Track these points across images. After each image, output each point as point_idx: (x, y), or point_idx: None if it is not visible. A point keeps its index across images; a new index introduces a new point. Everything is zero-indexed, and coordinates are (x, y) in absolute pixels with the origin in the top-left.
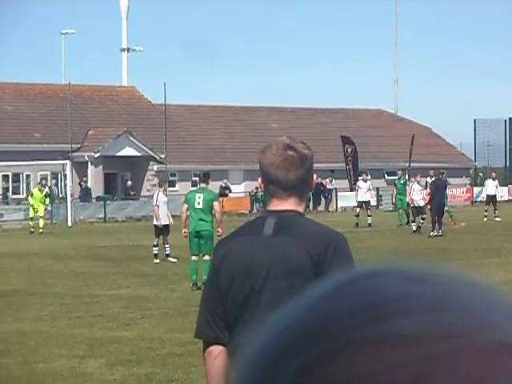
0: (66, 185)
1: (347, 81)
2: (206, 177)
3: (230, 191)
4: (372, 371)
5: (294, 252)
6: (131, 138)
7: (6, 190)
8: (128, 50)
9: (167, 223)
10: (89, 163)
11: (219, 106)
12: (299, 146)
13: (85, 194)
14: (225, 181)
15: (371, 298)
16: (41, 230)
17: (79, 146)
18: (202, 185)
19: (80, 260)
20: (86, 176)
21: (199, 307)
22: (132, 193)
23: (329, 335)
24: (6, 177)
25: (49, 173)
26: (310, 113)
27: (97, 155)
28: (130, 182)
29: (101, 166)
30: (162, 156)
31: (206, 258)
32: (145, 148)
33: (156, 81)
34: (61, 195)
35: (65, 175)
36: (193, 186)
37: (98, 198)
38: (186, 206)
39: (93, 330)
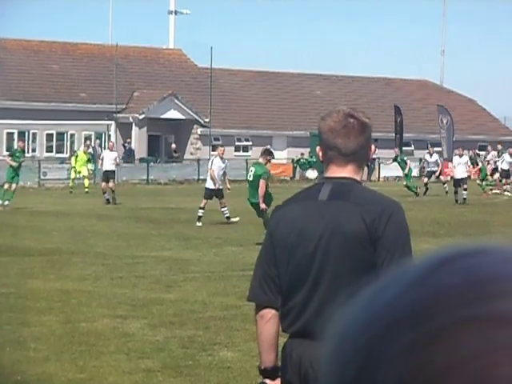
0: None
1: (393, 50)
2: (262, 152)
3: (273, 157)
4: (478, 352)
5: (349, 217)
6: (176, 101)
7: (49, 148)
8: (175, 12)
9: (221, 187)
10: (133, 125)
11: (265, 72)
12: (360, 114)
13: (128, 156)
14: (268, 146)
15: (473, 277)
16: (86, 190)
17: (124, 107)
18: (260, 159)
19: (122, 221)
20: (130, 137)
21: (253, 270)
22: (175, 155)
23: (434, 314)
24: (50, 135)
25: (93, 133)
26: (353, 81)
27: (141, 117)
28: (174, 145)
29: (145, 128)
30: (207, 120)
31: None
32: (189, 111)
33: (202, 44)
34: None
35: (109, 136)
36: (236, 151)
37: (142, 160)
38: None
39: (135, 291)
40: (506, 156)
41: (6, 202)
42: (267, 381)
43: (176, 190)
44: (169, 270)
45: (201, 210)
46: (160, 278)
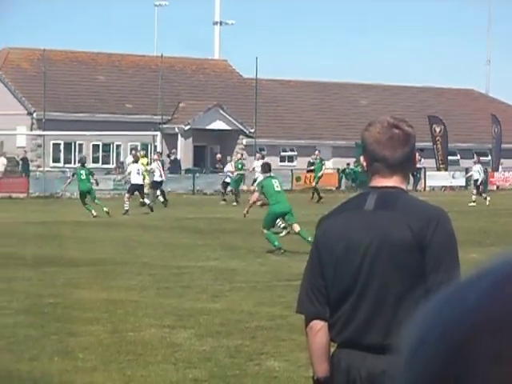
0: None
1: (438, 59)
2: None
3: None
4: None
5: (396, 226)
6: (221, 112)
7: (96, 159)
8: (220, 23)
9: None
10: (179, 135)
11: (310, 81)
12: (403, 124)
13: (174, 166)
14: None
15: None
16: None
17: (170, 118)
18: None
19: (168, 231)
20: (176, 148)
21: (301, 282)
22: (218, 166)
23: None
24: (96, 146)
25: (139, 144)
26: (399, 90)
27: (187, 128)
28: (219, 155)
29: (190, 139)
30: (252, 130)
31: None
32: (235, 122)
33: (247, 55)
34: (150, 167)
35: (155, 147)
36: (281, 161)
37: (187, 171)
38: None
39: (182, 301)
40: None
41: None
42: None
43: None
44: (215, 280)
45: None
46: (206, 288)
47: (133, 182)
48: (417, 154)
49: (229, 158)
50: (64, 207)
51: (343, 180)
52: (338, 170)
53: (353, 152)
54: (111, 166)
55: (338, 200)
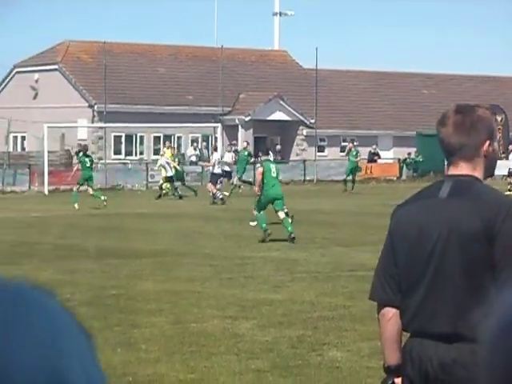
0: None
1: (500, 48)
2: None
3: (379, 157)
4: None
5: (467, 214)
6: (282, 102)
7: (157, 151)
8: (280, 14)
9: None
10: (239, 126)
11: (370, 71)
12: (476, 111)
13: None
14: (374, 146)
15: None
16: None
17: (230, 109)
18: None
19: (229, 222)
20: (236, 139)
21: (375, 269)
22: (274, 157)
23: None
24: (157, 138)
25: (199, 135)
26: (461, 80)
27: (247, 119)
28: (279, 146)
29: (251, 130)
30: (312, 121)
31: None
32: (295, 112)
33: (307, 45)
34: (210, 158)
35: (215, 138)
36: (341, 151)
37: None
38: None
39: (244, 292)
40: None
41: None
42: (394, 379)
43: (282, 191)
44: (276, 271)
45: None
46: (268, 279)
47: (214, 171)
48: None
49: (229, 148)
50: (126, 199)
51: (404, 170)
52: (399, 159)
53: (413, 142)
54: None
55: (399, 190)
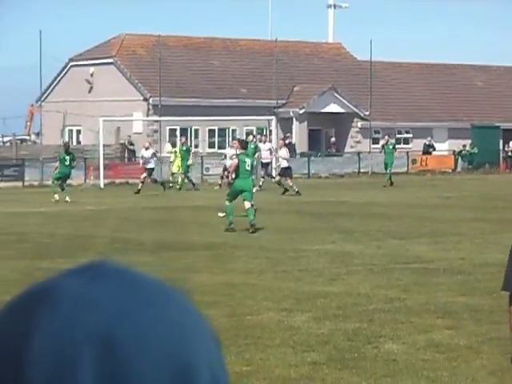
0: (270, 140)
1: None
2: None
3: (434, 149)
4: None
5: None
6: (336, 95)
7: (212, 144)
8: (334, 6)
9: None
10: (293, 119)
11: (424, 64)
12: None
13: (289, 150)
14: (428, 138)
15: None
16: (178, 186)
17: (284, 101)
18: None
19: (284, 215)
20: (291, 132)
21: (507, 261)
22: (330, 150)
23: None
24: (212, 131)
25: (254, 128)
26: None
27: (302, 111)
28: (333, 139)
29: (305, 122)
30: (367, 113)
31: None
32: (349, 105)
33: (361, 38)
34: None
35: (270, 131)
36: (396, 143)
37: (302, 154)
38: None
39: (299, 284)
40: None
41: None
42: None
43: (336, 184)
44: (331, 263)
45: None
46: (323, 271)
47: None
48: None
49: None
50: (181, 192)
51: (459, 162)
52: (454, 151)
53: (468, 134)
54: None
55: (454, 182)
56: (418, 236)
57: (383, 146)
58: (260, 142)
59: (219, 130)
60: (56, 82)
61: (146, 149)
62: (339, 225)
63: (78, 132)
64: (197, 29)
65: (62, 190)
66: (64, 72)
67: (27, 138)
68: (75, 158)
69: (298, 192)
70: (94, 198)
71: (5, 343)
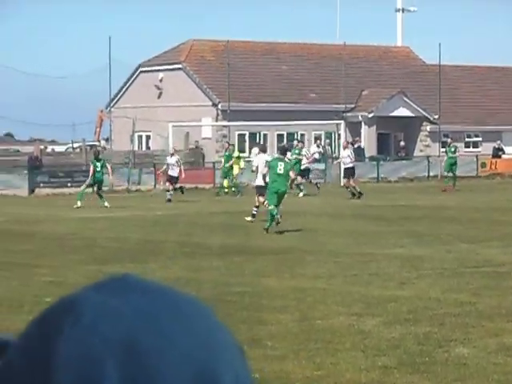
0: (339, 144)
1: None
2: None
3: (504, 152)
4: None
5: None
6: (405, 99)
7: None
8: (403, 10)
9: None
10: (362, 123)
11: (493, 67)
12: None
13: (358, 154)
14: (498, 142)
15: None
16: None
17: (353, 106)
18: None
19: (353, 219)
20: (359, 136)
21: None
22: (400, 154)
23: None
24: (280, 136)
25: (323, 132)
26: None
27: (370, 115)
28: (402, 143)
29: (374, 126)
30: (436, 116)
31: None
32: (418, 108)
33: (430, 41)
34: (334, 155)
35: (338, 135)
36: (466, 147)
37: (371, 158)
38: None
39: (369, 289)
40: None
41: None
42: None
43: (406, 188)
44: (401, 268)
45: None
46: (393, 276)
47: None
48: None
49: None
50: (249, 197)
51: None
52: None
53: None
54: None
55: None
56: (488, 239)
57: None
58: (343, 148)
59: (288, 134)
60: (125, 87)
61: (171, 155)
62: (409, 229)
63: (148, 137)
64: (265, 33)
65: (101, 197)
66: (133, 78)
67: (97, 143)
68: (106, 164)
69: (360, 193)
70: (164, 203)
71: (34, 351)
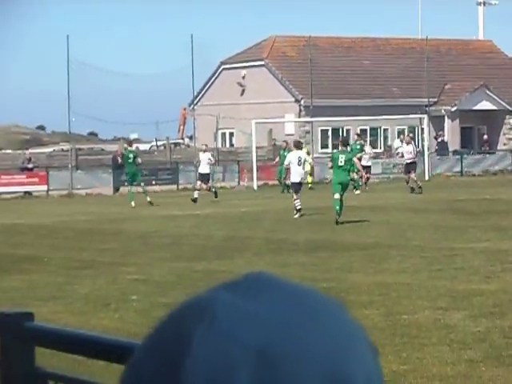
0: (423, 139)
1: None
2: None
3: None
4: None
5: None
6: (488, 92)
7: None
8: (484, 3)
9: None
10: (445, 117)
11: None
12: None
13: (441, 148)
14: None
15: None
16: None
17: (436, 100)
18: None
19: (438, 213)
20: (442, 130)
21: None
22: (483, 149)
23: None
24: (363, 131)
25: (406, 127)
26: None
27: (453, 109)
28: (486, 136)
29: (457, 120)
30: None
31: None
32: (501, 101)
33: None
34: (417, 149)
35: (422, 129)
36: None
37: (455, 152)
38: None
39: (455, 283)
40: None
41: None
42: None
43: (490, 181)
44: (487, 261)
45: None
46: (478, 270)
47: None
48: None
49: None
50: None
51: None
52: None
53: None
54: (379, 150)
55: None
56: None
57: None
58: (405, 142)
59: (371, 129)
60: (208, 85)
61: (204, 152)
62: (494, 223)
63: (231, 135)
64: (346, 29)
65: (144, 192)
66: (216, 75)
67: (181, 141)
68: (137, 155)
69: (420, 188)
70: (248, 199)
71: (164, 352)
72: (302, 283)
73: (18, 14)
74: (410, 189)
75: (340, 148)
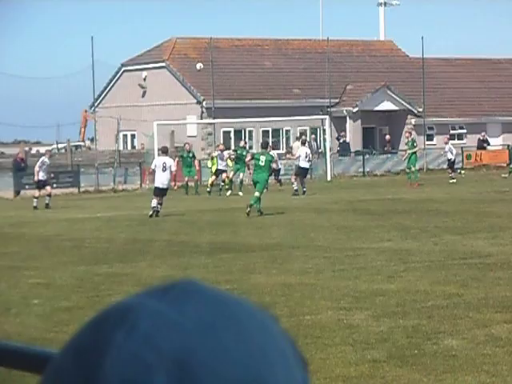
0: (324, 140)
1: None
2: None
3: (488, 144)
4: None
5: None
6: (389, 92)
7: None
8: (385, 4)
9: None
10: (347, 118)
11: (477, 59)
12: None
13: (343, 149)
14: (482, 133)
15: None
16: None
17: (338, 101)
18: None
19: (341, 214)
20: (344, 131)
21: None
22: (386, 148)
23: None
24: (266, 132)
25: (307, 128)
26: None
27: (355, 110)
28: (388, 136)
29: (359, 121)
30: (420, 109)
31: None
32: (403, 102)
33: (413, 34)
34: (319, 150)
35: (323, 130)
36: (450, 139)
37: (357, 153)
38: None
39: (357, 283)
40: None
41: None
42: None
43: (392, 181)
44: (389, 261)
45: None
46: (381, 269)
47: (301, 165)
48: None
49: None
50: (235, 194)
51: None
52: (508, 146)
53: None
54: (281, 151)
55: (510, 177)
56: (475, 231)
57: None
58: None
59: (273, 130)
60: (109, 87)
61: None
62: (396, 222)
63: (133, 137)
64: (248, 30)
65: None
66: (117, 77)
67: (82, 144)
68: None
69: (296, 191)
70: (150, 202)
71: (84, 356)
72: (233, 294)
73: None
74: (293, 190)
75: (261, 150)
